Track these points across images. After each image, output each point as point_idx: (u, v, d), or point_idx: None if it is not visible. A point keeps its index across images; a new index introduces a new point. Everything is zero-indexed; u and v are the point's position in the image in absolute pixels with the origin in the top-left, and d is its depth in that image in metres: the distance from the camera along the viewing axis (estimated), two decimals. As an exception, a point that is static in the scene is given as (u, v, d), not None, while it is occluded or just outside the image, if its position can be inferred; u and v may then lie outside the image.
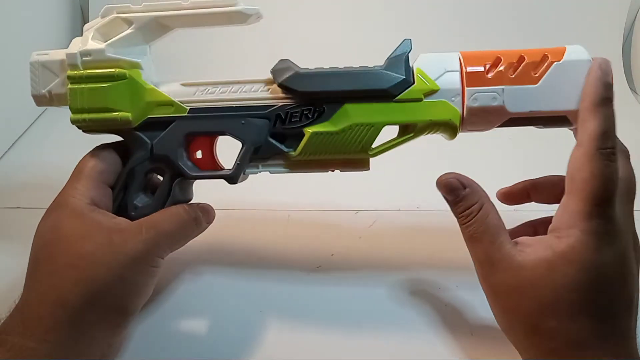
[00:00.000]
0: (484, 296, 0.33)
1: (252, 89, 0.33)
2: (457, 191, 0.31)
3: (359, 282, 0.41)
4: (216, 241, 0.44)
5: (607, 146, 0.29)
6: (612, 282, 0.29)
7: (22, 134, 0.59)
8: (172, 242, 0.34)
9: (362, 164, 0.35)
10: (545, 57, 0.32)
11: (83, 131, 0.34)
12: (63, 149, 0.56)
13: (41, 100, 0.35)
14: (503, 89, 0.32)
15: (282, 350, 0.36)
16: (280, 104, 0.33)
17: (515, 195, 0.38)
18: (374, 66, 0.33)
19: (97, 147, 0.35)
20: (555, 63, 0.32)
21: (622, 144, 0.32)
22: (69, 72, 0.33)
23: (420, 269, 0.43)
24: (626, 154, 0.31)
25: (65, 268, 0.30)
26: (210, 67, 0.70)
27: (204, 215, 0.36)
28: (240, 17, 0.32)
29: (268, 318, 0.38)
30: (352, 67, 0.33)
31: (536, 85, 0.32)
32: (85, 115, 0.33)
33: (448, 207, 0.32)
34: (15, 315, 0.29)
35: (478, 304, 0.38)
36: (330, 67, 0.33)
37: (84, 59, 0.33)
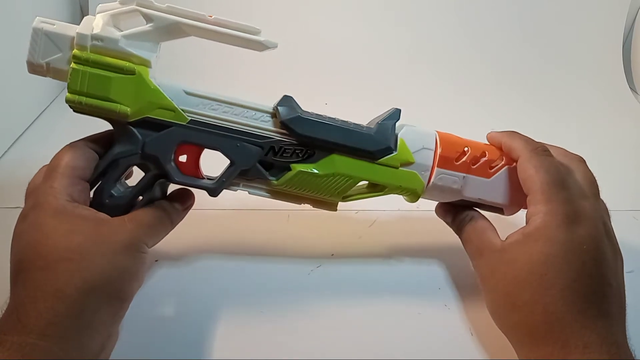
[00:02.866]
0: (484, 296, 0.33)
1: (254, 116, 0.35)
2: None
3: (358, 282, 0.41)
4: (216, 241, 0.44)
5: (537, 147, 0.35)
6: (581, 258, 0.31)
7: (22, 133, 0.59)
8: (153, 234, 0.35)
9: (331, 206, 0.38)
10: (501, 158, 0.37)
11: (74, 111, 0.33)
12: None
13: (36, 69, 0.33)
14: (464, 176, 0.37)
15: (282, 349, 0.36)
16: (277, 138, 0.35)
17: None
18: (367, 125, 0.37)
19: (71, 143, 0.34)
20: (507, 166, 0.37)
21: (575, 155, 0.37)
22: (76, 52, 0.32)
23: (420, 269, 0.43)
24: (581, 159, 0.36)
25: (58, 262, 0.29)
26: (209, 62, 0.70)
27: (182, 203, 0.38)
28: (258, 47, 0.33)
29: (268, 318, 0.38)
30: (348, 122, 0.36)
31: (489, 179, 0.37)
32: (83, 99, 0.32)
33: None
34: (11, 314, 0.28)
35: (478, 304, 0.38)
36: (328, 117, 0.36)
37: (94, 42, 0.32)
